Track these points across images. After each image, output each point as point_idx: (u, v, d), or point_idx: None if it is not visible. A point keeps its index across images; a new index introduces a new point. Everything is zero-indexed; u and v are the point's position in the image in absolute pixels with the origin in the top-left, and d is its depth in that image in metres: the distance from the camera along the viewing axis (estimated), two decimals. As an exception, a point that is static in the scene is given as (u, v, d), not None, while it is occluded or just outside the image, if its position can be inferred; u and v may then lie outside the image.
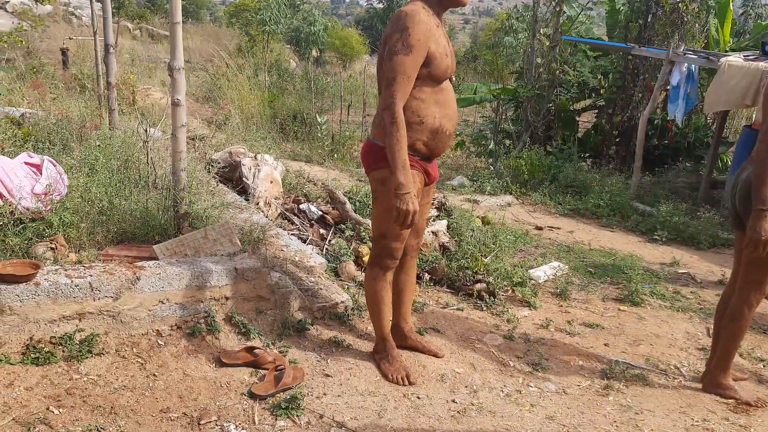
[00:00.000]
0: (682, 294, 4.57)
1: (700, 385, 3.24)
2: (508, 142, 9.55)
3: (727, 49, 8.80)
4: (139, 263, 2.96)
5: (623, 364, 3.39)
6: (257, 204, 4.29)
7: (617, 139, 9.42)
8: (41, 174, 3.27)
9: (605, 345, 3.66)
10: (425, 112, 2.76)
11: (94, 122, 4.47)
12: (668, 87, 7.37)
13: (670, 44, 7.30)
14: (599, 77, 9.63)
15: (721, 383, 3.16)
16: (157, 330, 2.95)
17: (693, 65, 7.15)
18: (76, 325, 2.76)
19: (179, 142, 3.20)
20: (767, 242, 2.76)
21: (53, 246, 2.99)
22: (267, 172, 4.65)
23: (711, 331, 3.57)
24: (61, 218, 3.13)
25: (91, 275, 2.79)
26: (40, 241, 3.04)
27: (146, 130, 3.60)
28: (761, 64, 5.95)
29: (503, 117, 9.78)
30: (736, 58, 6.29)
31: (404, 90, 2.65)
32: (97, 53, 5.02)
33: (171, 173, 3.36)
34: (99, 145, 3.81)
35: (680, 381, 3.31)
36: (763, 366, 3.58)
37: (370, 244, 4.38)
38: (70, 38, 11.01)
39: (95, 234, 3.25)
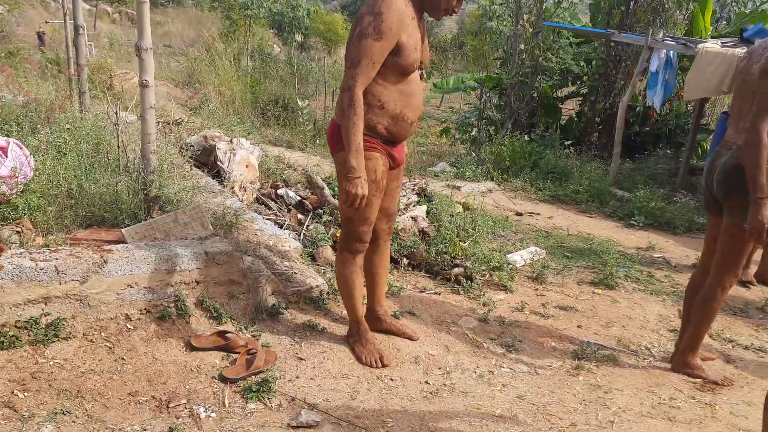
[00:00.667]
0: (656, 277, 4.61)
1: (669, 365, 3.28)
2: (492, 129, 9.56)
3: (708, 36, 8.84)
4: (107, 247, 2.92)
5: (595, 346, 3.42)
6: (232, 188, 4.26)
7: (599, 126, 9.46)
8: (6, 156, 3.22)
9: (578, 327, 3.69)
10: (387, 98, 2.74)
11: (63, 105, 4.40)
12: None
13: (649, 31, 7.31)
14: (582, 64, 9.64)
15: (690, 363, 3.20)
16: (126, 314, 2.92)
17: (672, 52, 7.17)
18: (42, 309, 2.72)
19: (148, 124, 3.15)
20: None
21: (19, 230, 2.94)
22: (242, 156, 4.61)
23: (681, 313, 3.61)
24: (27, 201, 3.08)
25: (56, 259, 2.75)
26: (6, 225, 3.00)
27: (116, 113, 3.55)
28: (737, 51, 5.98)
29: (488, 104, 9.78)
30: (713, 45, 6.31)
31: (367, 74, 2.63)
32: (67, 35, 4.94)
33: (141, 156, 3.32)
34: (68, 128, 3.75)
35: (650, 361, 3.34)
36: (732, 347, 3.63)
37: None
38: (46, 22, 10.84)
39: (63, 218, 3.21)
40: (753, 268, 4.73)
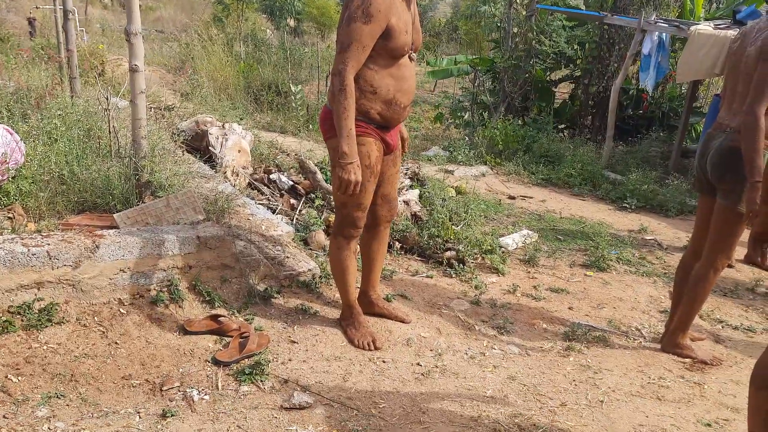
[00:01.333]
0: (648, 260, 4.65)
1: (659, 346, 3.32)
2: (485, 113, 9.54)
3: (701, 18, 8.82)
4: (99, 232, 2.93)
5: (585, 327, 3.45)
6: (224, 173, 4.26)
7: (593, 110, 9.46)
8: (-3, 143, 3.21)
9: (570, 309, 3.72)
10: (379, 82, 2.73)
11: (54, 91, 4.38)
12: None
13: (642, 13, 7.29)
14: (575, 47, 9.61)
15: (680, 343, 3.24)
16: (119, 299, 2.93)
17: (664, 34, 7.16)
18: (35, 294, 2.73)
19: (139, 109, 3.14)
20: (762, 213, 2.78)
21: (11, 215, 2.94)
22: (235, 141, 4.61)
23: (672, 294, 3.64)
24: (18, 187, 3.08)
25: (48, 244, 2.75)
26: (-2, 211, 3.00)
27: (107, 98, 3.54)
28: (730, 33, 5.97)
29: (481, 88, 9.76)
30: (705, 27, 6.31)
31: (357, 58, 2.62)
32: (57, 21, 4.90)
33: (132, 142, 3.32)
34: (59, 114, 3.74)
35: (640, 342, 3.38)
36: (722, 327, 3.67)
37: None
38: (37, 7, 10.73)
39: (55, 203, 3.21)
40: (741, 251, 4.76)
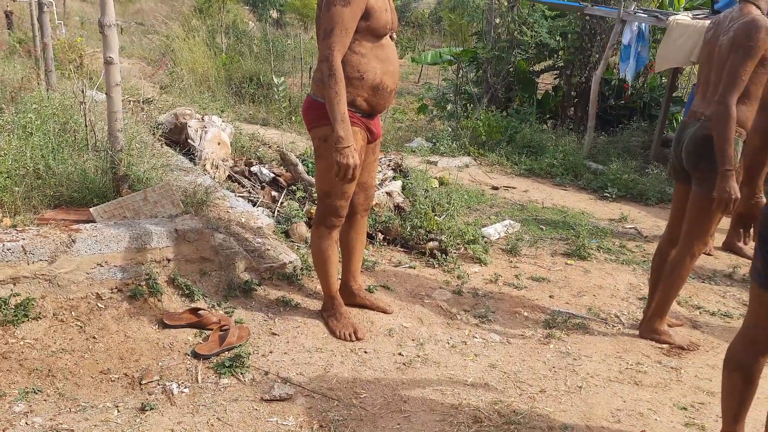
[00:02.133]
0: (628, 248, 4.69)
1: (637, 332, 3.35)
2: (470, 105, 9.54)
3: (681, 8, 8.87)
4: (75, 226, 2.90)
5: (565, 314, 3.48)
6: (204, 166, 4.23)
7: (575, 100, 9.49)
8: (-29, 137, 3.17)
9: (550, 297, 3.75)
10: (366, 67, 2.75)
11: (30, 84, 4.32)
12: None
13: (621, 3, 7.33)
14: (558, 38, 9.63)
15: (657, 329, 3.27)
16: (97, 293, 2.91)
17: (644, 24, 7.20)
18: (11, 290, 2.70)
19: (114, 101, 3.11)
20: (736, 200, 2.82)
21: (-15, 210, 2.91)
22: (214, 134, 4.57)
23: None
24: (-7, 182, 3.04)
25: (23, 239, 2.72)
26: (-29, 206, 2.96)
27: (83, 91, 3.49)
28: (708, 23, 6.00)
29: (465, 79, 9.76)
30: (684, 17, 6.35)
31: (342, 42, 2.62)
32: (32, 13, 4.84)
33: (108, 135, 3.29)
34: (35, 107, 3.69)
35: (619, 328, 3.41)
36: (699, 313, 3.71)
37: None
38: (14, 0, 10.57)
39: (31, 198, 3.17)
40: (719, 237, 4.83)
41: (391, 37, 2.86)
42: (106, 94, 3.16)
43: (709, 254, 4.62)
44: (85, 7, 15.03)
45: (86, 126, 3.49)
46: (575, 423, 2.54)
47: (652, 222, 5.39)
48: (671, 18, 6.35)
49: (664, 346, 3.23)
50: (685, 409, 2.71)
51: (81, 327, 2.79)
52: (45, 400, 2.38)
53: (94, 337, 2.76)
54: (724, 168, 2.79)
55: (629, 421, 2.59)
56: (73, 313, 2.83)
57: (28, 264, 2.71)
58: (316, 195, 4.43)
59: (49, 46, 4.43)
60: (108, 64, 3.08)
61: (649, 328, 3.30)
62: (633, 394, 2.80)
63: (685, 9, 8.45)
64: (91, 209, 3.09)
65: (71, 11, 11.77)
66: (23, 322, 2.70)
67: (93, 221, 3.05)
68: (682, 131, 3.13)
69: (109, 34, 3.01)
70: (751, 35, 2.78)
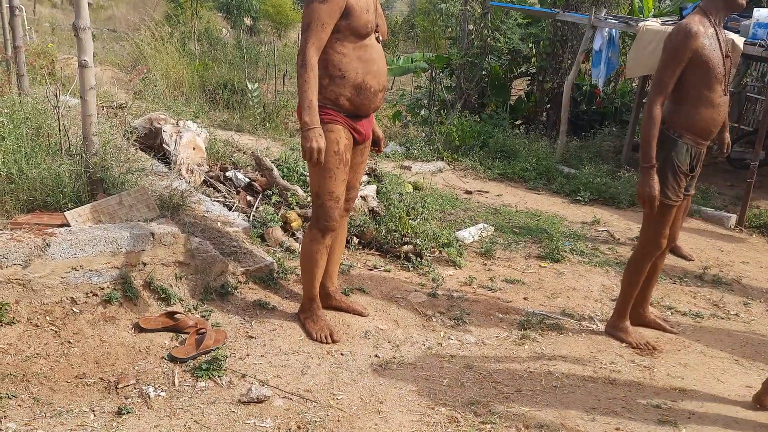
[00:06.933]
0: (601, 250, 4.77)
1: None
2: (443, 111, 9.62)
3: (650, 15, 9.08)
4: (50, 230, 2.87)
5: (540, 316, 3.54)
6: (179, 171, 4.21)
7: (548, 105, 9.63)
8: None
9: (525, 299, 3.80)
10: (347, 66, 2.80)
11: (2, 89, 4.26)
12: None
13: (592, 10, 7.47)
14: (530, 45, 9.78)
15: (617, 325, 3.38)
16: (72, 297, 2.88)
17: (614, 30, 7.35)
18: (-17, 295, 2.66)
19: (89, 105, 3.09)
20: (656, 197, 2.94)
21: (-44, 215, 2.86)
22: (189, 139, 4.56)
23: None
24: (-37, 187, 2.99)
25: (-4, 243, 2.69)
26: (-58, 211, 2.91)
27: (56, 95, 3.46)
28: (675, 29, 6.16)
29: (438, 85, 9.83)
30: (653, 23, 6.50)
31: (318, 36, 2.71)
32: (3, 17, 4.78)
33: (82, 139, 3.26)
34: (6, 112, 3.64)
35: (592, 329, 3.48)
36: (671, 313, 3.80)
37: (298, 210, 4.39)
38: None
39: (3, 203, 3.13)
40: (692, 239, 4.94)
41: (377, 39, 2.90)
42: (80, 97, 3.14)
43: (691, 260, 4.72)
44: (56, 13, 14.83)
45: (60, 130, 3.46)
46: (551, 422, 2.59)
47: (624, 225, 5.50)
48: (641, 24, 6.50)
49: (641, 346, 3.30)
50: (658, 407, 2.78)
51: (56, 332, 2.76)
52: (20, 405, 2.35)
53: (69, 342, 2.73)
54: (642, 165, 2.98)
55: (604, 420, 2.64)
56: (47, 317, 2.79)
57: (2, 268, 2.67)
58: (291, 200, 4.45)
59: (21, 50, 4.38)
60: (82, 67, 3.06)
61: (611, 324, 3.42)
62: (607, 392, 2.85)
63: (654, 16, 8.65)
64: (65, 213, 3.06)
65: (41, 17, 11.59)
66: (-4, 327, 2.66)
67: (68, 225, 3.02)
68: None
69: (84, 37, 3.00)
70: (671, 38, 2.95)
